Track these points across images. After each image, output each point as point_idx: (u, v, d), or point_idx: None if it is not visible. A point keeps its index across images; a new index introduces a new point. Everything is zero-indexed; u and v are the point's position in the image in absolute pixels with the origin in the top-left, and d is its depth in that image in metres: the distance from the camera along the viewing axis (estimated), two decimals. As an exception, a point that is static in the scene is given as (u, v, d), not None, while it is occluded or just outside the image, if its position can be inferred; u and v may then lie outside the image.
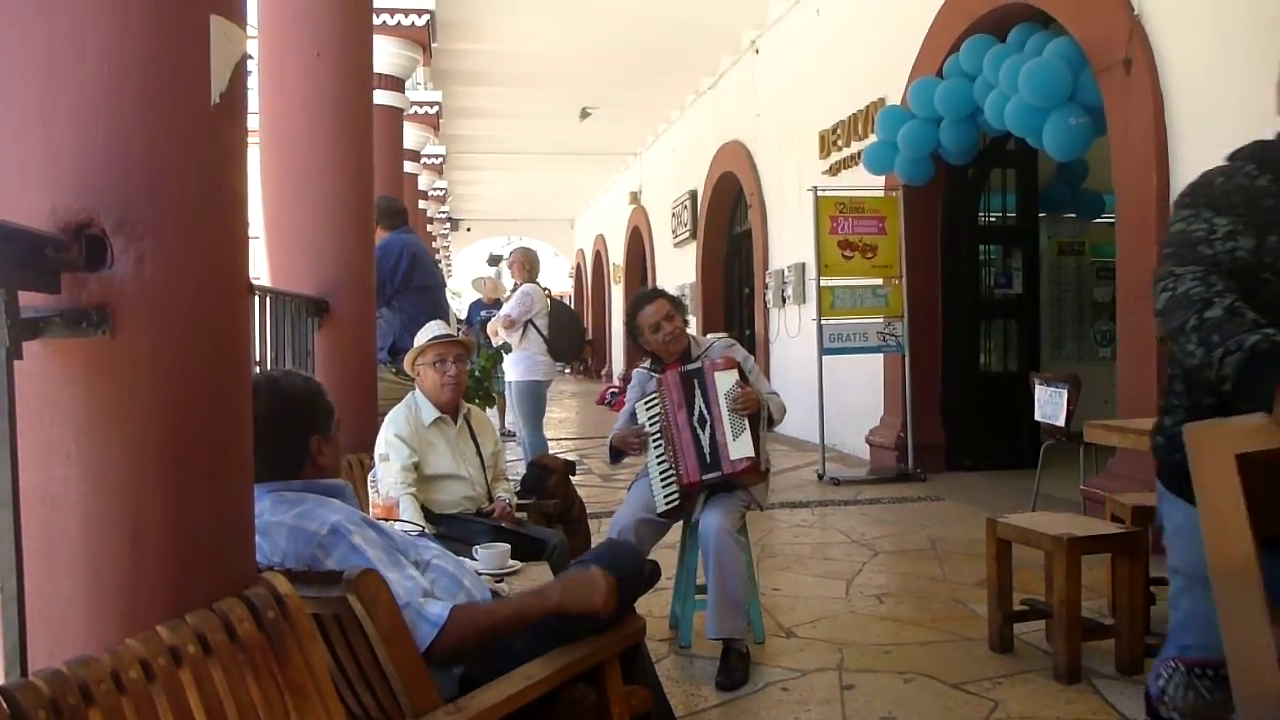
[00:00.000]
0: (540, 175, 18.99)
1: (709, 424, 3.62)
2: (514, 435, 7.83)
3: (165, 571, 1.41)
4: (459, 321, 14.97)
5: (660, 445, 3.71)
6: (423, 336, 3.65)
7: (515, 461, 7.28)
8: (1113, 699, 3.21)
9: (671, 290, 4.11)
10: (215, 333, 1.50)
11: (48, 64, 1.35)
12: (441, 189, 17.12)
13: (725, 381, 3.63)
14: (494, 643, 2.00)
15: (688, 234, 14.17)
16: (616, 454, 3.89)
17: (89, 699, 1.18)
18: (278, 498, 2.03)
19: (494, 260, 24.24)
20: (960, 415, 7.86)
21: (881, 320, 7.75)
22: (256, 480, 1.62)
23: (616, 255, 20.48)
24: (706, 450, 3.61)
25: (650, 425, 3.75)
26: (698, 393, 3.66)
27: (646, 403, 3.79)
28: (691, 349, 3.89)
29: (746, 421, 3.58)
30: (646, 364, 3.99)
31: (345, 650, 1.86)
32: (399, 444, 3.42)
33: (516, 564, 3.05)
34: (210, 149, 1.48)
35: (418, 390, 3.64)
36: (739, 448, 3.56)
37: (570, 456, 7.36)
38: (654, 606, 4.12)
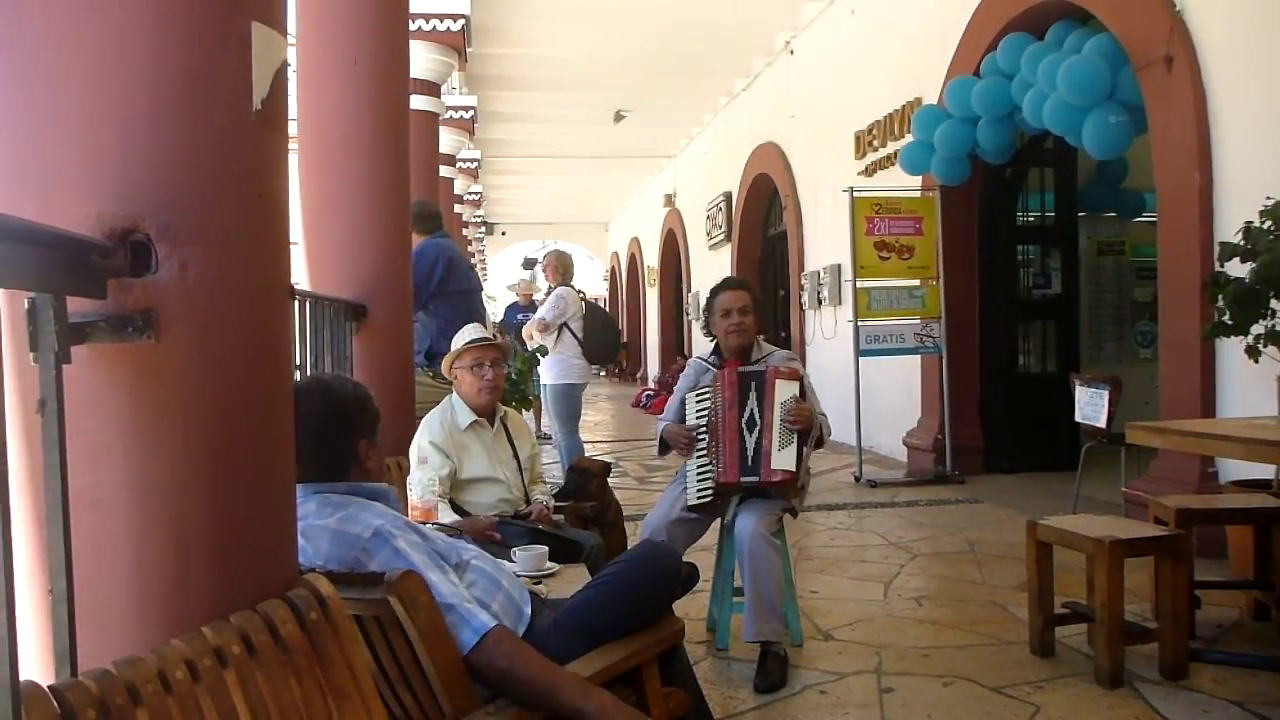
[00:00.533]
0: (574, 179, 19.05)
1: (758, 428, 3.62)
2: (550, 438, 7.84)
3: (209, 573, 1.43)
4: (495, 325, 15.03)
5: (704, 439, 3.71)
6: (459, 340, 3.67)
7: (551, 464, 7.30)
8: (1156, 704, 3.16)
9: (706, 294, 4.11)
10: (257, 337, 1.51)
11: (92, 71, 1.37)
12: (477, 193, 17.22)
13: (785, 391, 3.63)
14: (511, 689, 1.91)
15: (723, 236, 14.15)
16: (665, 446, 3.89)
17: (136, 699, 1.20)
18: (323, 500, 2.05)
19: (529, 263, 24.32)
20: (999, 417, 7.78)
21: (918, 321, 7.69)
22: (302, 480, 1.64)
23: (651, 258, 20.49)
24: (750, 453, 3.61)
25: (698, 418, 3.75)
26: (752, 395, 3.66)
27: (698, 395, 3.80)
28: (753, 351, 3.89)
29: (796, 436, 3.58)
30: (708, 355, 4.00)
31: (386, 651, 1.88)
32: (433, 451, 3.44)
33: (554, 566, 3.05)
34: (252, 155, 1.50)
35: (454, 393, 3.65)
36: (782, 459, 3.56)
37: (605, 459, 7.37)
38: (691, 609, 4.11)
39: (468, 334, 3.70)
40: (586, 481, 4.15)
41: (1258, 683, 3.29)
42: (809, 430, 3.62)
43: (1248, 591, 4.01)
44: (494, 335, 3.79)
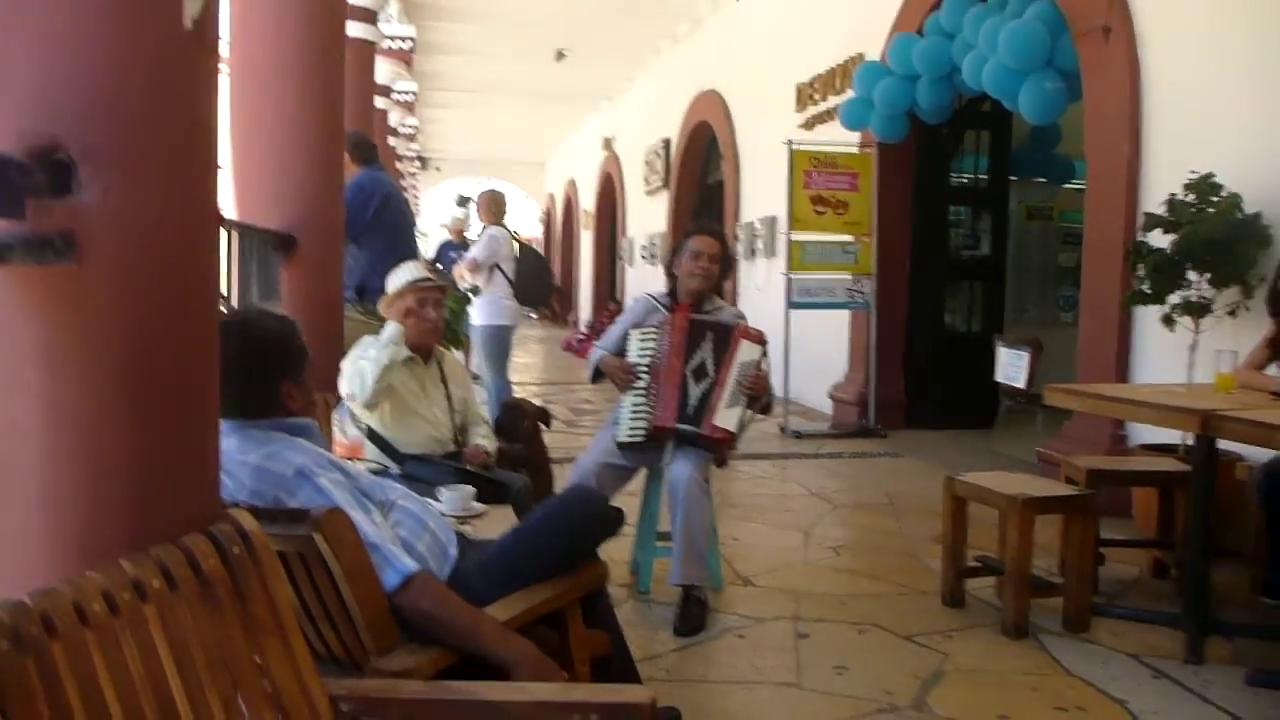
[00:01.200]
0: (513, 117, 18.75)
1: (708, 380, 3.62)
2: (479, 378, 7.80)
3: (127, 505, 1.40)
4: (428, 262, 14.77)
5: (644, 378, 3.71)
6: (400, 278, 3.57)
7: (480, 405, 7.27)
8: (1057, 654, 3.30)
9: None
10: (183, 265, 1.47)
11: (13, -20, 1.30)
12: (412, 127, 16.84)
13: (749, 353, 3.64)
14: (433, 633, 1.91)
15: (660, 182, 14.08)
16: (599, 374, 3.88)
17: (52, 630, 1.17)
18: (245, 435, 2.01)
19: (462, 201, 23.90)
20: (923, 374, 7.93)
21: (850, 277, 7.77)
22: (223, 416, 1.61)
23: (587, 201, 20.33)
24: (692, 402, 3.62)
25: (640, 355, 3.75)
26: (708, 345, 3.65)
27: (643, 333, 3.79)
28: (705, 301, 3.88)
29: (745, 400, 3.61)
30: (660, 294, 3.98)
31: (309, 588, 1.87)
32: (366, 346, 3.38)
33: (480, 507, 3.05)
34: (182, 76, 1.44)
35: (389, 326, 3.59)
36: (726, 418, 3.59)
37: (535, 402, 7.37)
38: (615, 552, 4.15)
39: (409, 272, 3.61)
40: (519, 419, 4.15)
41: (1154, 636, 3.45)
42: (759, 397, 3.65)
43: (1149, 550, 4.19)
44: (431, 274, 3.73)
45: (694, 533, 3.53)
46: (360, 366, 3.32)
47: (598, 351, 3.91)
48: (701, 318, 3.76)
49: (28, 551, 1.36)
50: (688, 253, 3.86)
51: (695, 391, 3.63)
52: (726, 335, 3.67)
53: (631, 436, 3.66)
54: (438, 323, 3.59)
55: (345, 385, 3.34)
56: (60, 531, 1.36)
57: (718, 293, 3.94)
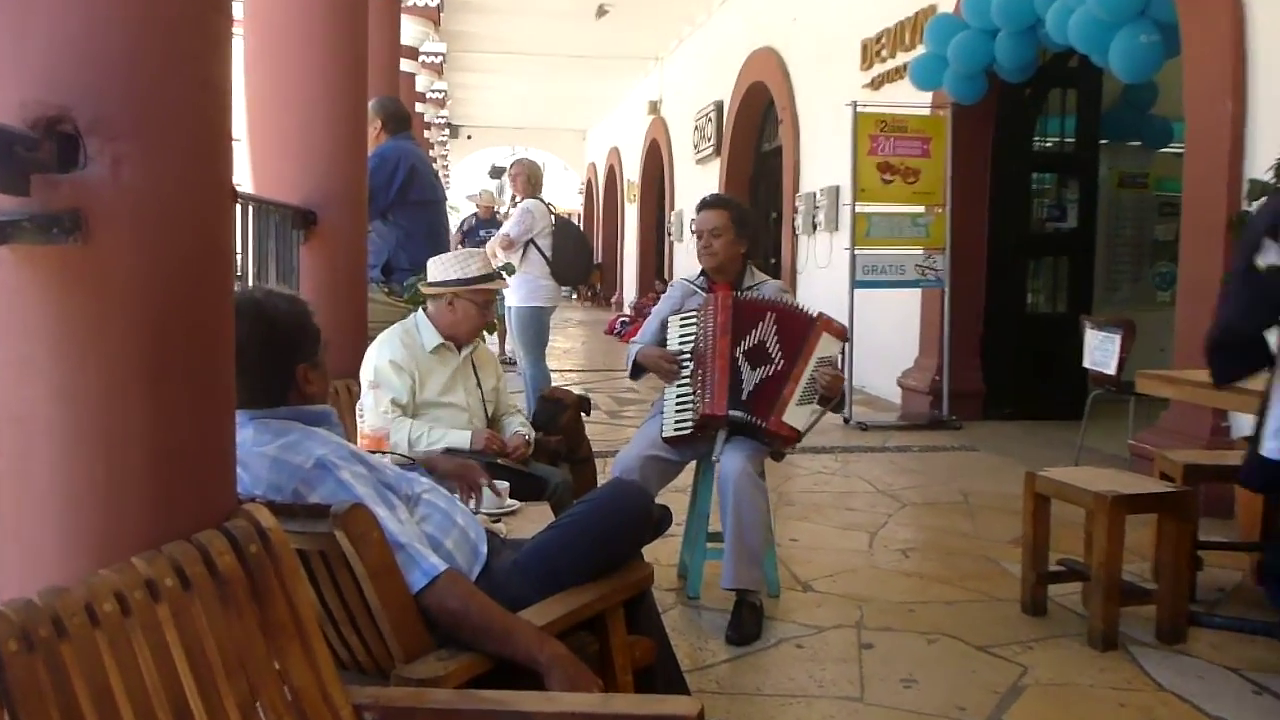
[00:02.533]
0: (550, 80, 18.78)
1: (769, 367, 3.61)
2: (514, 364, 7.86)
3: (141, 498, 1.44)
4: (458, 237, 14.85)
5: (688, 365, 3.73)
6: (464, 266, 3.59)
7: (516, 394, 7.31)
8: (1150, 668, 3.26)
9: (691, 213, 4.10)
10: (196, 242, 1.50)
11: (17, -58, 1.34)
12: (441, 91, 16.95)
13: (829, 347, 3.65)
14: (462, 636, 1.95)
15: (711, 150, 14.04)
16: (639, 369, 3.91)
17: (61, 631, 1.22)
18: (261, 425, 2.06)
19: (496, 172, 23.98)
20: (1002, 359, 7.85)
21: (921, 252, 7.71)
22: (238, 406, 1.64)
23: (632, 171, 20.33)
24: (747, 388, 3.62)
25: (681, 343, 3.76)
26: (769, 328, 3.64)
27: (683, 319, 3.81)
28: (745, 277, 3.90)
29: (817, 399, 3.62)
30: (694, 277, 4.00)
31: (331, 589, 1.91)
32: (393, 372, 3.42)
33: (515, 503, 3.09)
34: (193, 40, 1.47)
35: (419, 314, 3.64)
36: (796, 415, 3.59)
37: (575, 390, 7.41)
38: (661, 554, 4.18)
39: (479, 263, 3.64)
40: (558, 413, 4.17)
41: (1256, 649, 3.40)
42: (831, 399, 3.66)
43: (1253, 554, 4.12)
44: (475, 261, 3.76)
45: (747, 532, 3.54)
46: (372, 408, 3.36)
47: (635, 346, 3.93)
48: (747, 296, 3.76)
49: (41, 548, 1.40)
50: (697, 235, 3.93)
51: (751, 376, 3.63)
52: (805, 323, 3.66)
53: (679, 429, 3.67)
54: (490, 321, 3.68)
55: (369, 403, 3.38)
56: (74, 528, 1.40)
57: (759, 265, 3.98)
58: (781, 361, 3.63)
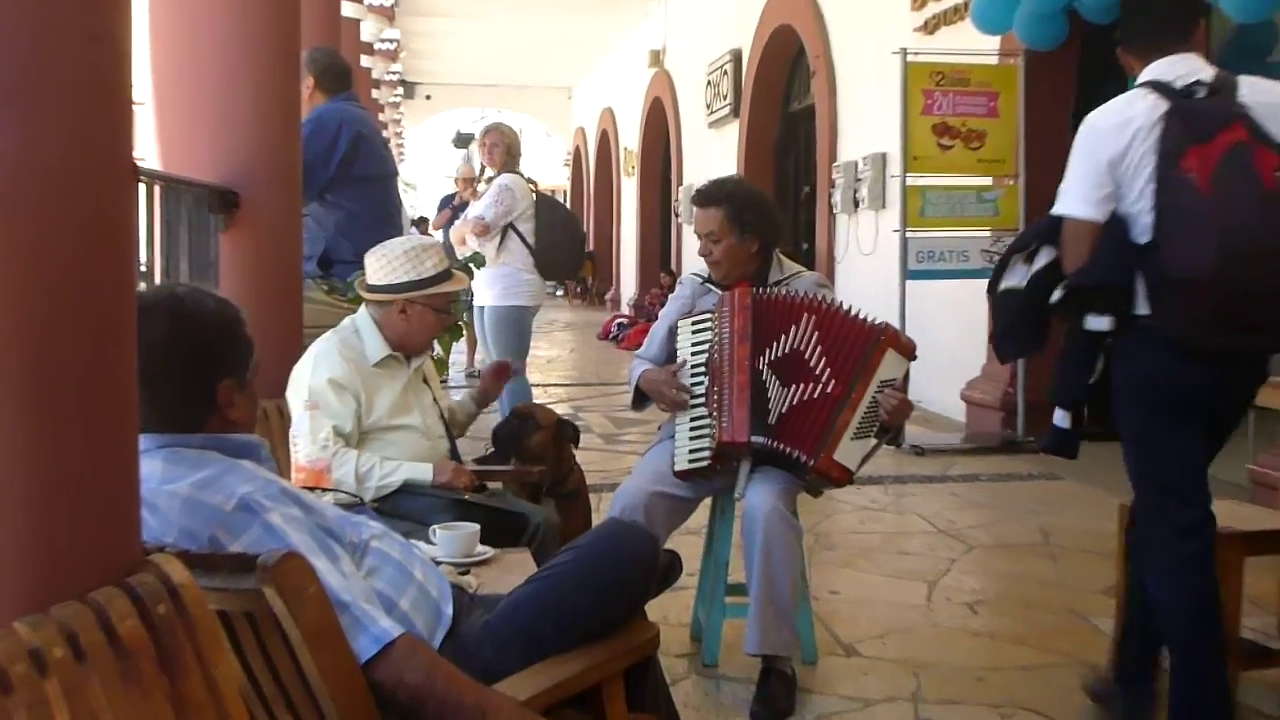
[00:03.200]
0: (528, 26, 18.83)
1: (809, 386, 3.58)
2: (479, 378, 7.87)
3: (22, 549, 1.43)
4: (414, 223, 14.89)
5: (701, 381, 3.71)
6: (413, 266, 3.57)
7: (490, 414, 7.31)
8: (1279, 748, 3.26)
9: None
10: (89, 229, 1.50)
11: None
12: (392, 41, 16.98)
13: (895, 368, 3.59)
14: (422, 715, 1.96)
15: (727, 110, 14.07)
16: (641, 397, 3.92)
17: (-77, 714, 1.21)
18: (172, 455, 2.06)
19: (462, 140, 24.02)
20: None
21: (988, 234, 7.71)
22: (142, 429, 1.64)
23: (629, 138, 20.38)
24: (775, 408, 3.59)
25: (693, 352, 3.75)
26: (804, 334, 3.61)
27: (695, 323, 3.80)
28: (771, 271, 3.89)
29: (877, 429, 3.61)
30: (703, 271, 4.01)
31: (260, 660, 1.90)
32: (333, 393, 3.42)
33: (487, 550, 3.08)
34: (84, -16, 1.48)
35: (360, 317, 3.64)
36: (850, 451, 3.57)
37: (562, 410, 7.37)
38: (671, 610, 4.17)
39: (434, 259, 3.63)
40: (526, 433, 4.17)
41: None
42: (891, 429, 3.66)
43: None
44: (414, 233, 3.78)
45: (778, 584, 3.53)
46: (308, 435, 3.34)
47: (638, 365, 3.93)
48: (773, 293, 3.73)
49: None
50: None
51: (781, 394, 3.60)
52: (861, 335, 3.61)
53: (694, 461, 3.65)
54: (450, 322, 3.69)
55: (304, 428, 3.37)
56: (-65, 585, 1.40)
57: (789, 253, 3.98)
58: (832, 383, 3.58)
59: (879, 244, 9.43)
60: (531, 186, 7.24)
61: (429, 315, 3.60)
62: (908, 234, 7.63)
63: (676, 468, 3.67)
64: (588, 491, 4.46)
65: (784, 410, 3.59)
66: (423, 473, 3.43)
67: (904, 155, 7.64)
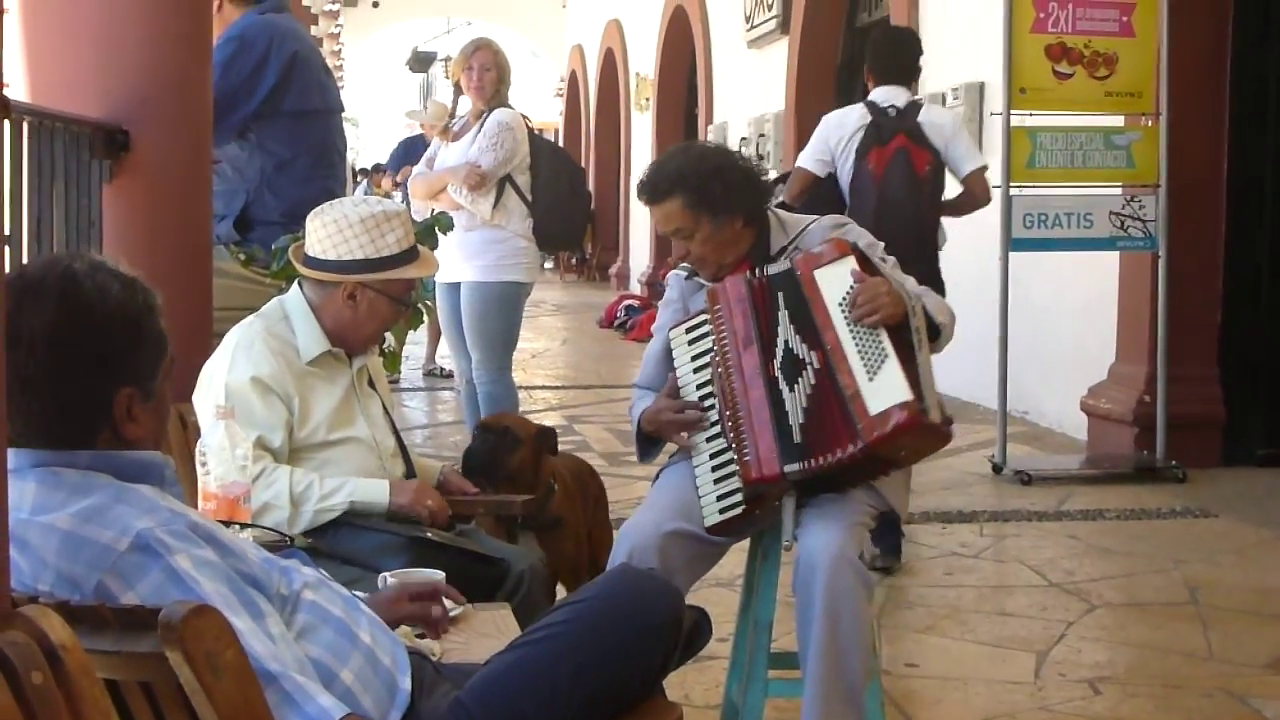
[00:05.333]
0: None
1: (810, 367, 3.58)
2: (448, 376, 7.86)
3: None
4: (364, 173, 14.94)
5: (713, 406, 3.70)
6: (370, 238, 3.57)
7: (456, 424, 7.32)
8: None
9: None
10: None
11: None
12: (330, -69, 17.05)
13: (835, 281, 3.54)
14: None
15: (774, 23, 14.05)
16: (647, 445, 3.93)
17: None
18: (48, 478, 2.07)
19: (420, 62, 23.90)
20: (1255, 370, 7.84)
21: (1119, 192, 7.70)
22: (15, 443, 1.65)
23: (643, 61, 20.38)
24: (795, 420, 3.58)
25: (695, 371, 3.75)
26: (781, 313, 3.61)
27: (690, 332, 3.79)
28: (772, 238, 3.88)
29: (886, 338, 3.52)
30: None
31: (160, 743, 1.92)
32: (257, 396, 3.43)
33: (456, 604, 3.10)
34: None
35: (290, 300, 3.64)
36: (883, 389, 3.43)
37: (552, 421, 7.39)
38: (696, 687, 4.19)
39: (398, 234, 3.62)
40: (506, 450, 4.19)
41: None
42: (905, 320, 3.57)
43: None
44: (362, 190, 3.79)
45: (845, 655, 3.51)
46: (222, 450, 3.35)
47: (639, 401, 3.92)
48: (763, 273, 3.70)
49: None
50: None
51: (793, 399, 3.59)
52: (792, 283, 3.57)
53: (726, 512, 3.64)
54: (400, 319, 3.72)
55: (214, 443, 3.38)
56: None
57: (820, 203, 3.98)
58: (812, 354, 3.57)
59: (974, 204, 9.42)
60: (530, 127, 7.20)
61: (383, 305, 3.59)
62: (1012, 190, 7.60)
63: (707, 523, 3.64)
64: (579, 520, 4.46)
65: (802, 419, 3.56)
66: (376, 492, 3.43)
67: (1008, 86, 7.62)
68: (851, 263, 3.51)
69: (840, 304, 3.48)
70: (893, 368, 3.40)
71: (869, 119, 6.16)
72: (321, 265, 3.55)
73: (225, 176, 4.79)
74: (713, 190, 3.77)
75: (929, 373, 3.50)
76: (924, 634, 5.01)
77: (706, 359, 3.72)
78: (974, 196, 6.58)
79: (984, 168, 6.50)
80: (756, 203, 3.88)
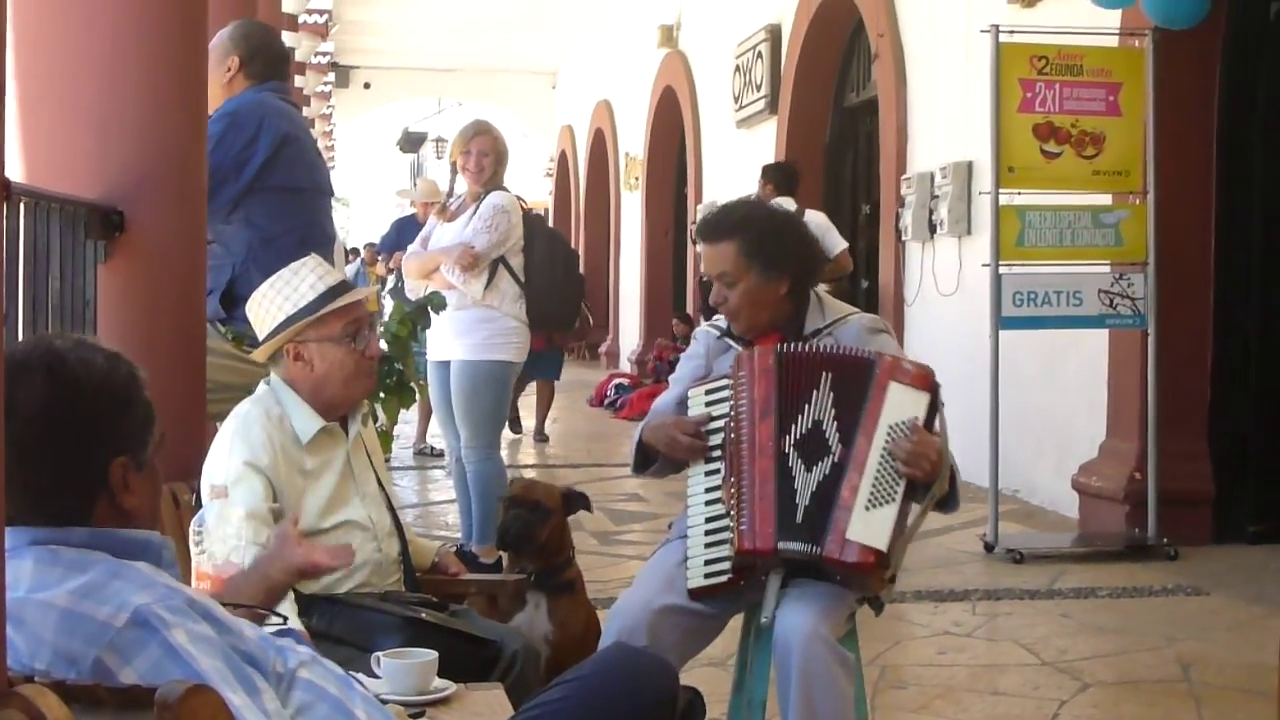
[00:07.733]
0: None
1: (831, 458, 3.58)
2: (439, 455, 7.84)
3: None
4: (354, 253, 14.94)
5: (717, 470, 3.71)
6: (289, 290, 3.61)
7: (447, 504, 7.30)
8: None
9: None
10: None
11: None
12: (322, 13, 17.15)
13: (905, 405, 3.52)
14: None
15: (762, 104, 14.13)
16: (645, 458, 3.93)
17: None
18: (45, 555, 2.07)
19: (411, 142, 23.96)
20: (1244, 443, 7.85)
21: (1108, 269, 7.74)
22: (12, 521, 1.66)
23: (633, 140, 20.45)
24: (804, 501, 3.58)
25: (710, 431, 3.75)
26: (825, 397, 3.61)
27: (710, 390, 3.80)
28: (808, 316, 3.91)
29: (903, 487, 3.55)
30: (720, 321, 4.04)
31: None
32: (251, 476, 3.44)
33: (447, 686, 3.09)
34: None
35: (277, 382, 3.65)
36: (868, 527, 3.48)
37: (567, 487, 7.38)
38: (688, 768, 4.17)
39: (312, 277, 3.64)
40: (538, 523, 4.21)
41: None
42: (928, 485, 3.61)
43: None
44: (355, 272, 3.82)
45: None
46: (218, 529, 3.36)
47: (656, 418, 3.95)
48: (796, 348, 3.73)
49: None
50: None
51: (807, 480, 3.60)
52: (860, 375, 3.64)
53: (711, 577, 3.65)
54: (376, 355, 3.68)
55: (211, 521, 3.39)
56: None
57: (838, 290, 3.99)
58: (839, 446, 3.62)
59: (963, 281, 9.45)
60: (524, 209, 7.25)
61: (332, 351, 3.58)
62: (1001, 269, 7.62)
63: (690, 584, 3.64)
64: (584, 587, 4.47)
65: (809, 501, 3.57)
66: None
67: (996, 165, 7.65)
68: (926, 401, 3.58)
69: (891, 427, 3.54)
70: (889, 515, 3.50)
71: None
72: (262, 340, 3.60)
73: (213, 252, 4.80)
74: (769, 245, 3.84)
75: (914, 533, 3.62)
76: (917, 713, 4.99)
77: (720, 423, 3.73)
78: (841, 266, 10.02)
79: (847, 248, 10.37)
80: (805, 273, 3.94)
